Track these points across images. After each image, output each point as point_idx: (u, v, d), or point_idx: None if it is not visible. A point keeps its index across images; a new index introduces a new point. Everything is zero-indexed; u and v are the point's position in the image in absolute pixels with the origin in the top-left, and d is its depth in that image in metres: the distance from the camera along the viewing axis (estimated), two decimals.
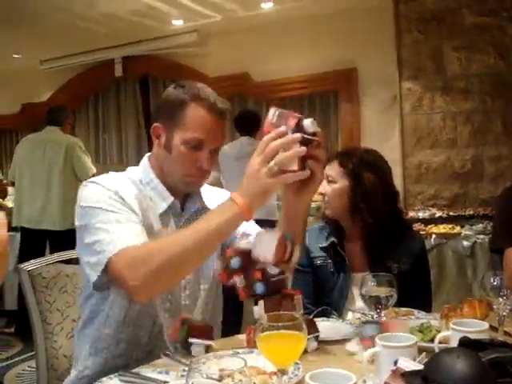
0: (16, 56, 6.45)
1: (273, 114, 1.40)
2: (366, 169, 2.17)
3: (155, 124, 1.68)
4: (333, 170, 2.20)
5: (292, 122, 1.35)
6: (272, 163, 1.35)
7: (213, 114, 1.61)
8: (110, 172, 1.74)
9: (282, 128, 1.35)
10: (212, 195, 1.85)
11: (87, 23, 5.39)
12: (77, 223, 1.60)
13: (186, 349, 1.51)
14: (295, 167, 1.34)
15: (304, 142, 1.34)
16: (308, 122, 1.35)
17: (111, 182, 1.63)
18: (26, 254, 4.38)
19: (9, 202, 5.59)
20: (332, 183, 2.20)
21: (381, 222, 2.14)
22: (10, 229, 4.92)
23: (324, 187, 2.22)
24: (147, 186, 1.69)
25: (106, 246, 1.47)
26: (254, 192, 1.39)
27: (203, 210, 1.75)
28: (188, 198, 1.76)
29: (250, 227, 1.79)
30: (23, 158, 4.79)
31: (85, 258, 1.55)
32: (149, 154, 1.77)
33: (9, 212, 4.87)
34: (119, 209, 1.55)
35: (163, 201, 1.68)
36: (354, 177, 2.16)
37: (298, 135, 1.33)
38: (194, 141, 1.60)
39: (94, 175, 4.68)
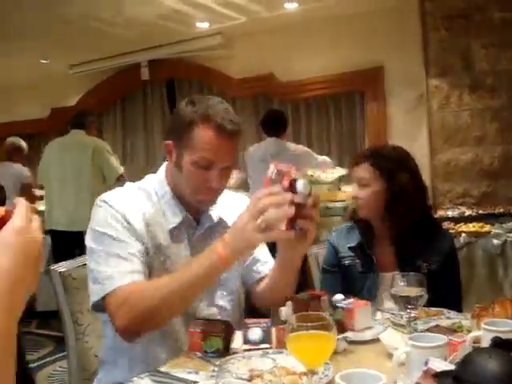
0: (44, 61, 6.54)
1: (272, 170, 1.42)
2: (399, 168, 2.15)
3: (167, 141, 1.69)
4: (365, 172, 2.16)
5: (286, 183, 1.37)
6: (260, 220, 1.37)
7: (221, 136, 1.59)
8: (127, 183, 1.79)
9: (277, 187, 1.37)
10: (231, 203, 1.85)
11: (114, 28, 5.44)
12: (86, 241, 1.66)
13: (219, 356, 1.52)
14: (283, 227, 1.36)
15: (297, 203, 1.36)
16: (300, 184, 1.36)
17: (122, 201, 1.66)
18: (58, 256, 4.43)
19: (40, 206, 5.67)
20: (365, 187, 2.16)
21: (415, 221, 2.13)
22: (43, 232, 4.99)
23: (356, 191, 2.18)
24: (162, 199, 1.71)
25: (104, 279, 1.55)
26: (238, 245, 1.43)
27: (219, 223, 1.77)
28: (204, 211, 1.76)
29: (261, 253, 1.84)
30: (51, 162, 4.85)
31: (89, 276, 1.62)
32: (168, 162, 1.77)
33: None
34: (124, 237, 1.60)
35: (175, 216, 1.70)
36: (389, 178, 2.13)
37: (288, 197, 1.35)
38: (202, 161, 1.61)
39: (121, 175, 4.74)
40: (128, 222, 1.62)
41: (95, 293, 1.57)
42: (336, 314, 1.61)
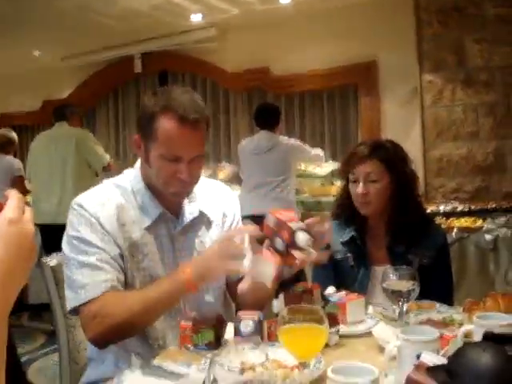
0: (36, 53, 6.50)
1: (271, 219, 1.46)
2: (399, 160, 2.17)
3: (135, 136, 1.67)
4: (374, 167, 2.14)
5: (286, 235, 1.39)
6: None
7: (184, 126, 1.56)
8: (104, 181, 1.77)
9: (277, 239, 1.43)
10: (211, 193, 1.84)
11: (107, 20, 5.41)
12: (62, 245, 1.68)
13: (211, 349, 1.51)
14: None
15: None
16: (300, 238, 1.37)
17: (97, 203, 1.65)
18: (48, 250, 4.40)
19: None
20: (375, 182, 2.13)
21: (411, 212, 2.13)
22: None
23: (364, 188, 2.14)
24: (137, 194, 1.69)
25: (77, 288, 1.57)
26: (203, 272, 1.48)
27: (200, 216, 1.76)
28: (183, 205, 1.74)
29: None
30: (37, 156, 4.83)
31: (65, 280, 1.65)
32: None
33: None
34: (98, 242, 1.60)
35: (151, 213, 1.68)
36: (393, 170, 2.14)
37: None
38: (168, 155, 1.58)
39: (109, 164, 4.74)
40: (102, 226, 1.62)
41: (70, 300, 1.60)
42: (328, 308, 1.61)
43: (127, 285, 1.64)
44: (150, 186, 1.70)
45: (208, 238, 1.76)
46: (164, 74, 6.71)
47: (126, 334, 1.58)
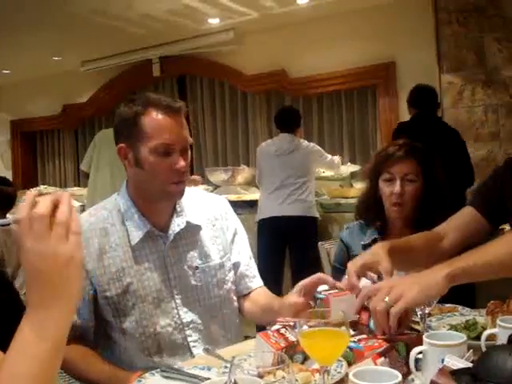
0: (56, 58, 6.57)
1: None
2: (436, 165, 2.17)
3: (119, 145, 1.65)
4: (412, 168, 2.14)
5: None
6: None
7: (169, 114, 1.59)
8: (94, 206, 1.78)
9: None
10: (203, 204, 1.82)
11: (125, 24, 5.45)
12: None
13: None
14: None
15: None
16: None
17: (85, 225, 1.63)
18: None
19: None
20: (411, 182, 2.13)
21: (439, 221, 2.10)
22: None
23: (401, 187, 2.12)
24: (125, 214, 1.67)
25: None
26: None
27: (188, 227, 1.72)
28: (171, 219, 1.71)
29: (249, 269, 1.85)
30: (102, 151, 4.76)
31: None
32: (127, 178, 1.74)
33: None
34: None
35: (138, 230, 1.65)
36: (428, 175, 2.14)
37: None
38: (161, 147, 1.57)
39: None
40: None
41: None
42: (318, 306, 1.53)
43: (120, 310, 1.62)
44: (137, 203, 1.68)
45: (198, 248, 1.74)
46: (182, 78, 6.75)
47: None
